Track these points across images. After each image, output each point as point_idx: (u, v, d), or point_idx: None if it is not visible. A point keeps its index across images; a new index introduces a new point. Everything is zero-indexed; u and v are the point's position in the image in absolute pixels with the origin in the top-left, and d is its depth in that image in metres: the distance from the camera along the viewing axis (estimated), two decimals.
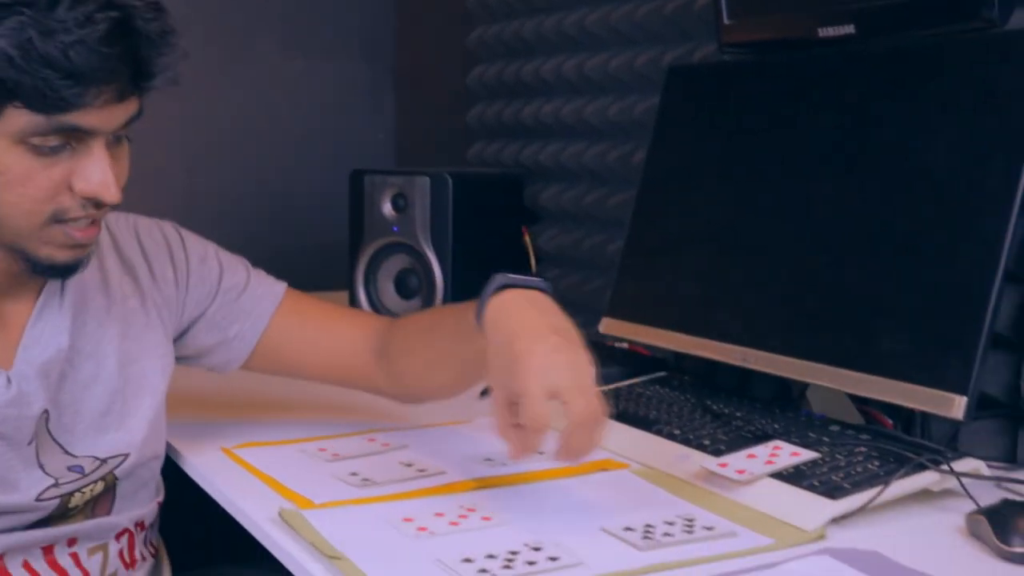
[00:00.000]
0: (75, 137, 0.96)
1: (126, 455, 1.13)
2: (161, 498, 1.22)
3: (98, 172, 0.98)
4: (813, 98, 1.30)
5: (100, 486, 1.12)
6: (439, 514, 1.01)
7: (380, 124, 2.56)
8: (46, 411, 1.08)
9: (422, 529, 0.97)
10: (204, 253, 1.26)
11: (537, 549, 0.93)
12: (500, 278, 1.06)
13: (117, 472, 1.13)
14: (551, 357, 0.97)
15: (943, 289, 1.10)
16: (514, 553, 0.91)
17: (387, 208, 1.86)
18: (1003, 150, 1.08)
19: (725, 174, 1.40)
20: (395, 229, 1.85)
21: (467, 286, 1.79)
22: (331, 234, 2.18)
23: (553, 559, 0.90)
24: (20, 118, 0.93)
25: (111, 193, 0.99)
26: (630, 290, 1.49)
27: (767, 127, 1.35)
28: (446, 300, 1.79)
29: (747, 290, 1.31)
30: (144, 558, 1.19)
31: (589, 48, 1.91)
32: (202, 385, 1.12)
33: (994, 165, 1.08)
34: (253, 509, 1.04)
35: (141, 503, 1.18)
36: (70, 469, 1.10)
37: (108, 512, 1.14)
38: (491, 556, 0.91)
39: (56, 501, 1.09)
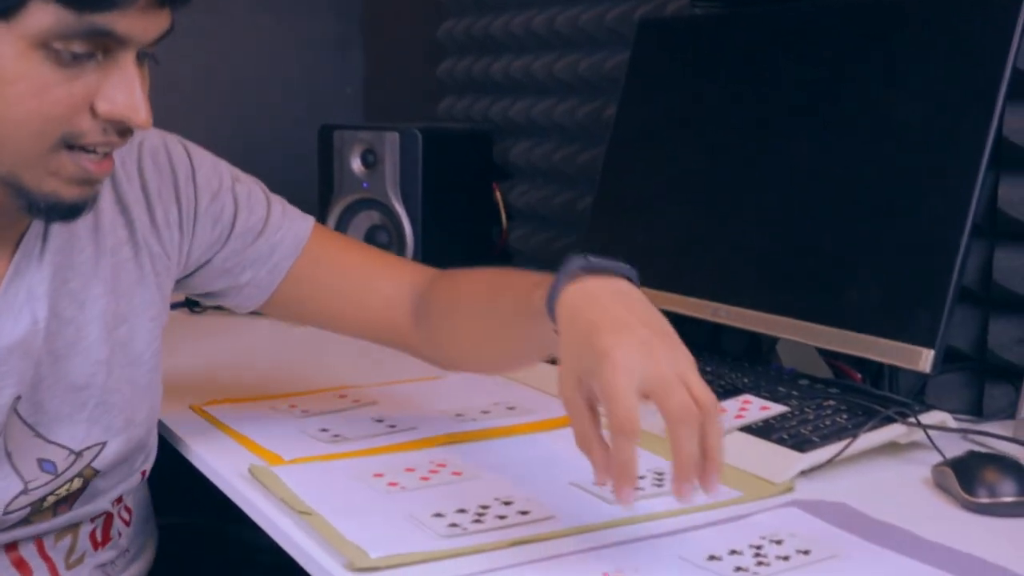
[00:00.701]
0: (103, 46, 0.82)
1: (103, 443, 1.00)
2: (150, 465, 1.10)
3: (125, 90, 0.83)
4: (785, 51, 1.29)
5: (78, 483, 1.00)
6: (410, 469, 1.01)
7: (349, 79, 2.53)
8: (17, 396, 0.94)
9: (393, 484, 0.97)
10: (217, 187, 1.08)
11: (508, 503, 0.93)
12: (578, 261, 0.87)
13: (95, 464, 1.00)
14: (641, 350, 0.79)
15: (912, 243, 1.11)
16: (485, 507, 0.92)
17: (356, 164, 1.84)
18: (973, 104, 1.08)
19: (696, 129, 1.39)
20: (365, 185, 1.83)
21: (437, 242, 1.79)
22: (300, 190, 2.15)
23: (524, 513, 0.91)
24: (46, 15, 0.79)
25: (140, 116, 0.84)
26: (600, 246, 1.49)
27: (738, 81, 1.34)
28: (416, 257, 1.78)
29: (718, 245, 1.32)
30: (120, 534, 1.10)
31: (560, 2, 1.89)
32: (166, 341, 1.09)
33: (964, 119, 1.08)
34: (223, 466, 1.04)
35: (121, 479, 1.06)
36: (41, 468, 0.96)
37: (73, 505, 1.03)
38: (462, 511, 0.91)
39: (26, 510, 0.98)
